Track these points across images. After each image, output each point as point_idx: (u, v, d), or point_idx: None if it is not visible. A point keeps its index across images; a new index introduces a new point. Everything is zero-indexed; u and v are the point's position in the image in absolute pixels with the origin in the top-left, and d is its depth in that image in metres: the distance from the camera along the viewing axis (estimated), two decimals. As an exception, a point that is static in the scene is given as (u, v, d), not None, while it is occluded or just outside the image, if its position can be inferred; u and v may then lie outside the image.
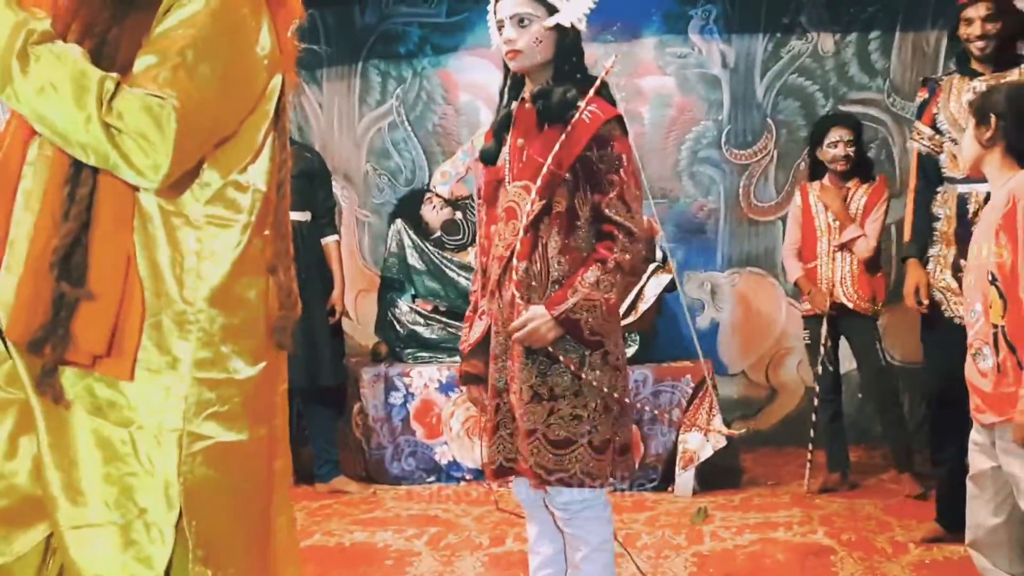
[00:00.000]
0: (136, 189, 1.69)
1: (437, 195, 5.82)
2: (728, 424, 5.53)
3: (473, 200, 5.56)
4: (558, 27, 2.59)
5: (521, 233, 2.56)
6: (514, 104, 2.70)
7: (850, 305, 4.78)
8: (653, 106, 6.18)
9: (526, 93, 2.66)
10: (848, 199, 4.82)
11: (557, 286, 2.54)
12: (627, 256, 2.51)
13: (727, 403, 5.92)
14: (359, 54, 6.52)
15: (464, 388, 2.85)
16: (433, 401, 5.16)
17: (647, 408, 4.85)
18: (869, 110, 5.88)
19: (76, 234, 1.65)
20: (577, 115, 2.53)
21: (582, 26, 2.64)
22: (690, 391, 4.96)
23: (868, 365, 4.83)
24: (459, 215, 5.71)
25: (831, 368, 4.90)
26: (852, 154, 4.81)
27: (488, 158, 2.72)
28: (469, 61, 6.36)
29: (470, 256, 5.49)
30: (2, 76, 1.60)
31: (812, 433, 4.90)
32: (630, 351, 4.99)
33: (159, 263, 1.70)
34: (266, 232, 1.83)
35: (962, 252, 3.68)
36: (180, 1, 1.70)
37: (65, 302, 1.64)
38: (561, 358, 2.50)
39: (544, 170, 2.52)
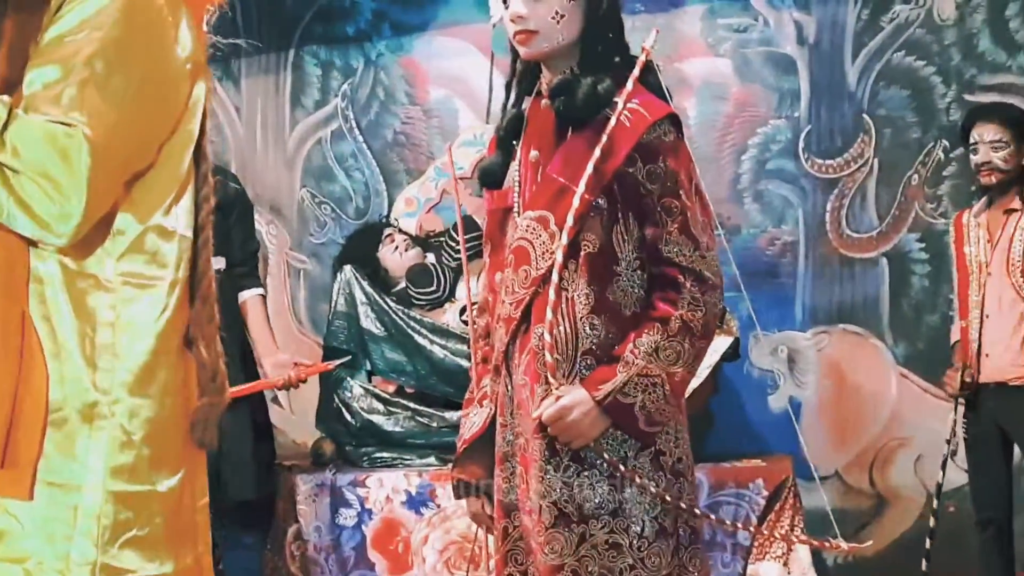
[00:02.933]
0: (31, 246, 1.81)
1: (400, 231, 5.88)
2: (818, 550, 5.52)
3: (450, 237, 5.61)
4: None
5: (540, 286, 2.57)
6: (526, 102, 2.75)
7: (1014, 381, 4.81)
8: (701, 99, 6.28)
9: (543, 87, 2.69)
10: (1005, 227, 4.87)
11: (591, 359, 2.55)
12: (699, 312, 2.52)
13: (815, 517, 5.89)
14: (290, 38, 6.65)
15: (465, 501, 2.85)
16: (399, 521, 5.18)
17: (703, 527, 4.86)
18: (1009, 98, 5.94)
19: None
20: (613, 116, 2.54)
21: None
22: (763, 501, 4.96)
23: None
24: (431, 258, 5.77)
25: (984, 474, 4.92)
26: (1006, 161, 4.86)
27: (490, 179, 2.75)
28: (443, 44, 6.48)
29: (447, 315, 5.53)
30: None
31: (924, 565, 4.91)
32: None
33: (62, 341, 1.81)
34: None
35: None
36: None
37: None
38: (597, 458, 2.50)
39: (574, 197, 2.52)
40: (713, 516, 4.87)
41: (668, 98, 2.69)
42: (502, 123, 2.77)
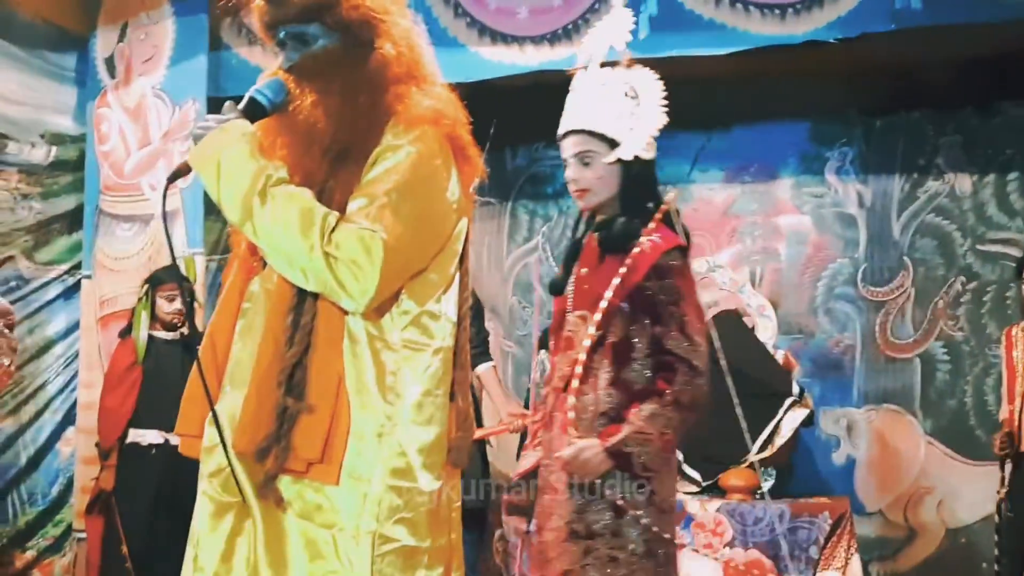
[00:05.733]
0: (345, 314, 1.92)
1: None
2: (865, 564, 5.47)
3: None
4: (621, 160, 2.57)
5: (576, 366, 2.51)
6: (586, 236, 2.70)
7: None
8: (790, 243, 6.30)
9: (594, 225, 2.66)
10: None
11: (606, 419, 2.49)
12: (687, 391, 2.45)
13: (864, 542, 5.83)
14: (509, 194, 6.82)
15: (513, 518, 2.79)
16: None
17: (783, 543, 4.86)
18: (1010, 250, 5.90)
19: (300, 355, 1.90)
20: (637, 245, 2.51)
21: (650, 154, 2.61)
22: (828, 528, 4.94)
23: None
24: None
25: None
26: None
27: (555, 288, 2.69)
28: (610, 200, 6.59)
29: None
30: (245, 211, 1.89)
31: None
32: (766, 485, 5.04)
33: (365, 381, 1.91)
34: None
35: None
36: (385, 153, 1.95)
37: (288, 415, 1.88)
38: (604, 492, 2.44)
39: (603, 302, 2.49)
40: (789, 538, 4.93)
41: (684, 235, 2.61)
42: (567, 250, 2.74)
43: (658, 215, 2.58)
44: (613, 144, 2.58)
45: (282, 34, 2.03)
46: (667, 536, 2.47)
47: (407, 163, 1.94)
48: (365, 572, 1.88)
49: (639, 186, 2.61)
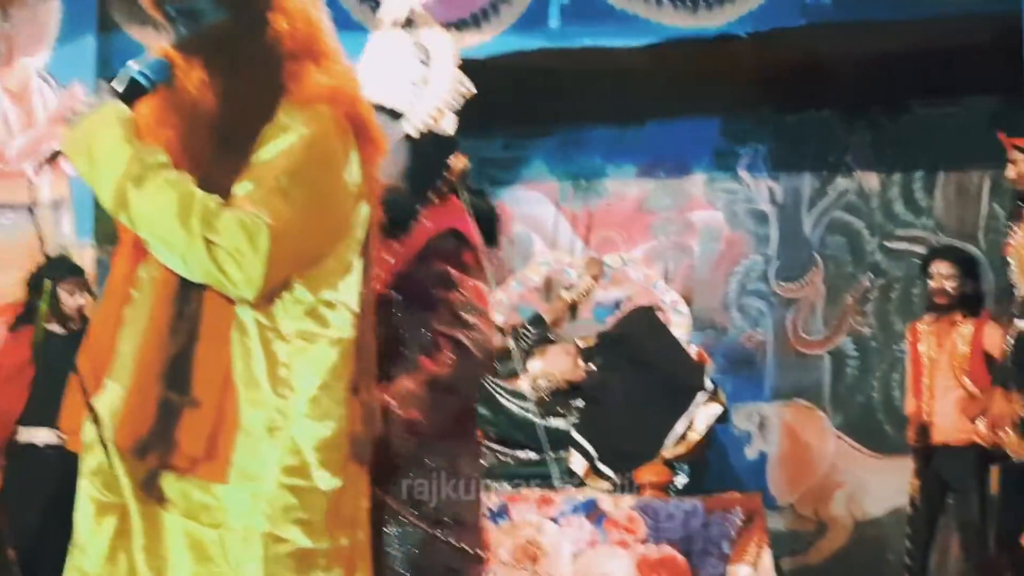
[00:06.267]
0: (234, 304, 1.81)
1: (490, 323, 5.95)
2: (776, 559, 5.49)
3: (524, 328, 5.65)
4: (408, 136, 2.36)
5: None
6: None
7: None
8: (703, 239, 6.33)
9: None
10: (950, 335, 4.89)
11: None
12: (449, 370, 2.26)
13: (775, 537, 5.84)
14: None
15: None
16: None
17: (698, 540, 4.84)
18: (915, 247, 5.98)
19: (183, 347, 1.79)
20: (410, 229, 2.33)
21: (448, 129, 2.39)
22: (740, 523, 4.94)
23: None
24: (511, 342, 5.82)
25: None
26: (954, 289, 4.87)
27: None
28: (524, 194, 6.55)
29: (521, 382, 5.56)
30: (120, 199, 1.77)
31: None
32: (680, 480, 5.03)
33: (255, 373, 1.81)
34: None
35: None
36: (275, 135, 1.84)
37: (171, 410, 1.76)
38: None
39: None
40: (703, 534, 4.89)
41: (482, 213, 2.45)
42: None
43: (435, 198, 2.37)
44: (395, 116, 2.33)
45: (170, 9, 1.91)
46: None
47: (299, 145, 1.83)
48: (255, 574, 1.77)
49: (427, 164, 2.38)
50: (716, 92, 5.85)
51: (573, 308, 5.70)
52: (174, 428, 1.76)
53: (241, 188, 1.81)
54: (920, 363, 5.01)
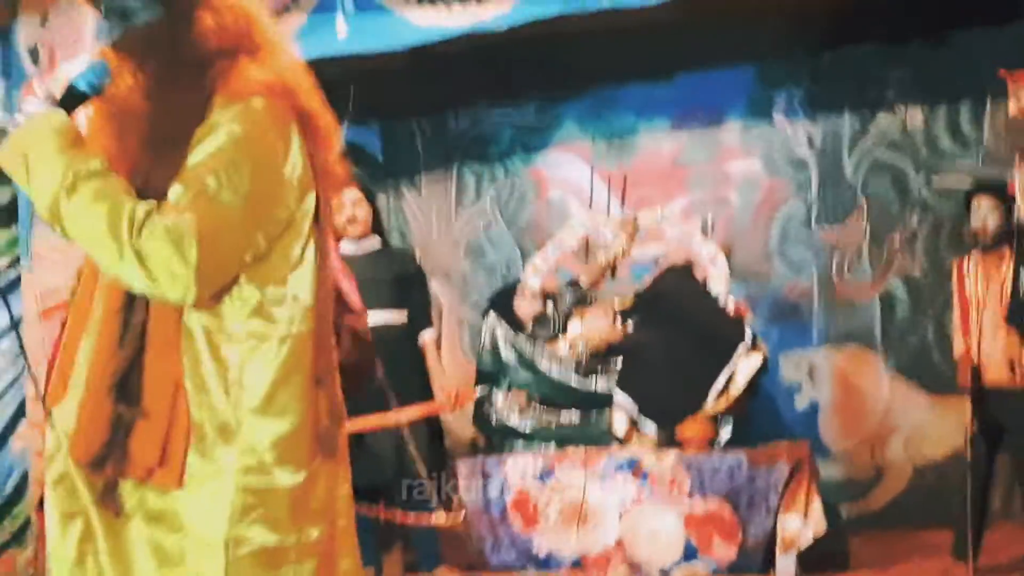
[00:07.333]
0: (180, 311, 1.79)
1: (529, 289, 5.92)
2: (833, 506, 5.40)
3: (562, 292, 5.61)
4: None
5: None
6: None
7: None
8: (741, 190, 6.21)
9: None
10: (998, 271, 4.77)
11: None
12: (352, 358, 2.17)
13: (832, 486, 5.79)
14: (454, 157, 6.73)
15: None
16: (528, 490, 5.14)
17: (745, 493, 4.79)
18: (962, 185, 5.77)
19: (132, 358, 1.78)
20: None
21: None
22: (786, 473, 4.87)
23: None
24: (549, 306, 5.79)
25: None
26: (998, 224, 4.74)
27: None
28: (558, 157, 6.51)
29: (560, 346, 5.53)
30: (54, 212, 1.75)
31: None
32: (724, 434, 4.98)
33: (205, 378, 1.80)
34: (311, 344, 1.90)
35: None
36: (205, 134, 1.80)
37: (123, 422, 1.77)
38: None
39: None
40: (749, 488, 4.81)
41: None
42: None
43: None
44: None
45: (102, 6, 1.89)
46: None
47: (228, 143, 1.79)
48: None
49: None
50: (748, 37, 5.72)
51: (611, 269, 5.65)
52: (127, 439, 1.77)
53: (172, 192, 1.77)
54: (967, 302, 4.86)
